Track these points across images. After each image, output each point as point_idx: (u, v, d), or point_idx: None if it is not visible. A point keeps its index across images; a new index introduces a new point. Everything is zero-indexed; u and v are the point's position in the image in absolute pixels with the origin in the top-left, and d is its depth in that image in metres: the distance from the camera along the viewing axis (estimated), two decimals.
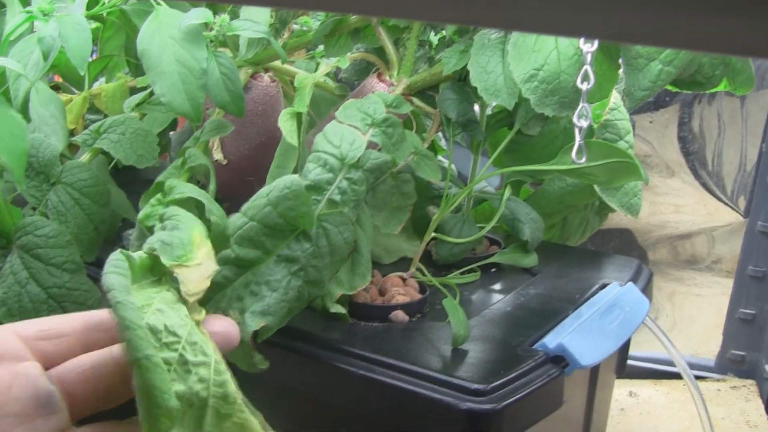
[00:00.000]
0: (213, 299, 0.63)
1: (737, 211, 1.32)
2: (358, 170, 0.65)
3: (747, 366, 1.16)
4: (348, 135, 0.66)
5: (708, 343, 1.24)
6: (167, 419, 0.46)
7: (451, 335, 0.65)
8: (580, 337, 0.68)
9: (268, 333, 0.62)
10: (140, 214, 0.69)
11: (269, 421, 0.57)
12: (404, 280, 0.77)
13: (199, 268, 0.57)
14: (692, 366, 1.19)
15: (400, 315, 0.71)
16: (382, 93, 0.74)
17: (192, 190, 0.66)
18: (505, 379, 0.61)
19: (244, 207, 0.62)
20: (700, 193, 1.37)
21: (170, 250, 0.56)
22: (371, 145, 0.68)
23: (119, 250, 0.52)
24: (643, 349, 1.18)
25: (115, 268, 0.50)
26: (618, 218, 0.91)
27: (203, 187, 0.80)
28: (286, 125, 0.74)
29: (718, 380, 1.16)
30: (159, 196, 0.70)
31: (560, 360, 0.66)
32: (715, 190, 1.37)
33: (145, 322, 0.48)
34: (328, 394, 0.67)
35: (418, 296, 0.74)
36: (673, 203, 1.40)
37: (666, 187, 1.39)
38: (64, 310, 0.76)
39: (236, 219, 0.62)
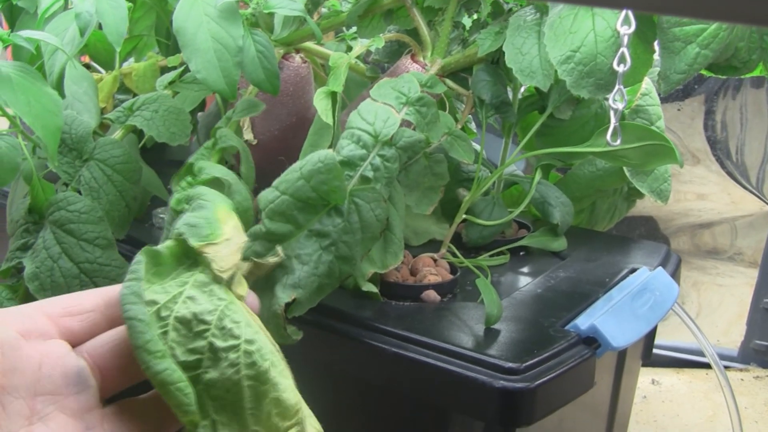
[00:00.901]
0: None
1: (762, 199, 1.32)
2: (391, 148, 0.65)
3: None
4: (382, 112, 0.66)
5: (731, 333, 1.23)
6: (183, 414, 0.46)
7: (484, 314, 0.66)
8: (612, 319, 0.68)
9: (300, 309, 0.62)
10: (172, 200, 0.70)
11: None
12: (435, 260, 0.77)
13: (229, 243, 0.57)
14: (717, 356, 1.19)
15: (431, 294, 0.71)
16: (416, 73, 0.74)
17: (220, 171, 0.67)
18: (539, 358, 0.61)
19: (276, 181, 0.63)
20: (725, 181, 1.36)
21: (197, 231, 0.56)
22: (405, 124, 0.68)
23: (141, 250, 0.52)
24: (665, 337, 1.18)
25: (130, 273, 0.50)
26: (641, 205, 0.91)
27: (234, 168, 0.80)
28: (321, 104, 0.74)
29: (741, 370, 1.16)
30: (189, 178, 0.71)
31: (592, 341, 0.66)
32: (739, 179, 1.37)
33: (174, 314, 0.48)
34: (361, 372, 0.68)
35: (450, 276, 0.74)
36: (697, 192, 1.39)
37: (690, 175, 1.39)
38: (95, 285, 0.76)
39: (268, 193, 0.62)
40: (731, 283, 1.35)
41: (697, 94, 1.38)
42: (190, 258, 0.56)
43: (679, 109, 1.34)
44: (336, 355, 0.68)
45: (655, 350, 1.17)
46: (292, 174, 0.63)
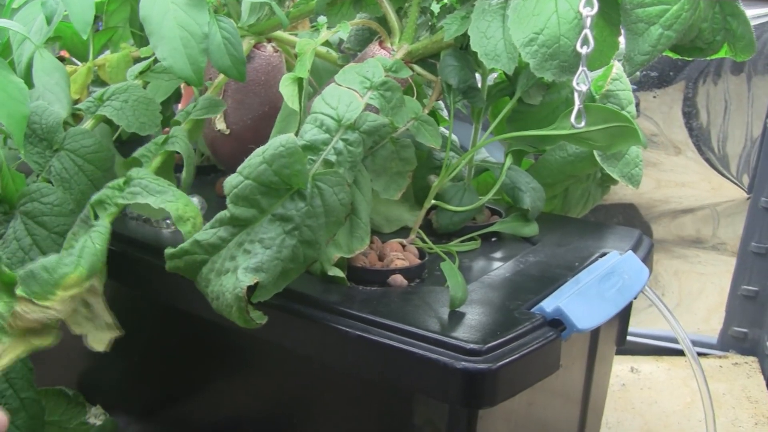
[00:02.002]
0: (209, 261, 0.64)
1: (741, 188, 1.32)
2: (354, 132, 0.65)
3: (749, 343, 1.16)
4: (345, 97, 0.66)
5: (711, 321, 1.24)
6: None
7: (449, 297, 0.66)
8: (578, 301, 0.68)
9: (265, 294, 0.62)
10: (93, 197, 0.70)
11: (265, 382, 0.57)
12: (404, 246, 0.77)
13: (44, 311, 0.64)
14: (695, 343, 1.19)
15: (398, 279, 0.71)
16: (381, 57, 0.74)
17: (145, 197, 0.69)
18: (501, 340, 0.61)
19: (240, 166, 0.63)
20: (705, 170, 1.36)
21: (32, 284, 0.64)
22: (370, 109, 0.68)
23: None
24: (645, 325, 1.18)
25: None
26: (621, 192, 0.91)
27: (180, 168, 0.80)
28: (287, 90, 0.74)
29: (720, 357, 1.16)
30: (119, 182, 0.71)
31: (558, 323, 0.66)
32: (719, 167, 1.37)
33: None
34: (327, 356, 0.68)
35: (417, 261, 0.74)
36: (678, 180, 1.39)
37: (671, 164, 1.39)
38: None
39: (232, 178, 0.62)
40: (713, 271, 1.35)
41: (677, 81, 1.38)
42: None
43: (654, 97, 1.34)
44: (302, 339, 0.68)
45: (634, 338, 1.18)
46: (255, 159, 0.63)
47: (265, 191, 0.62)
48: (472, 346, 0.60)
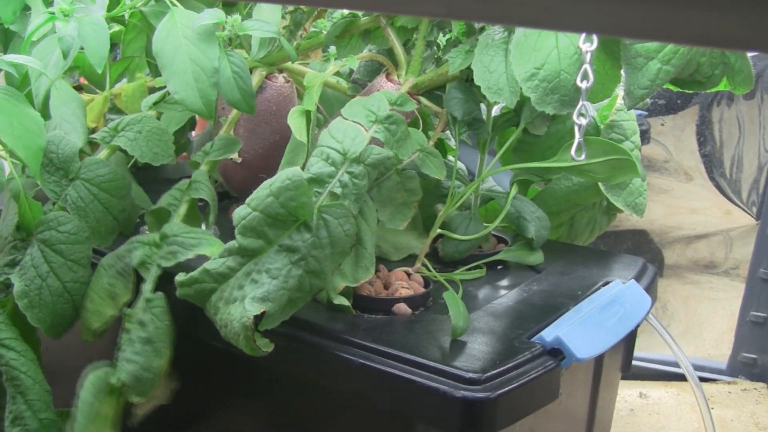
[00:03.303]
0: (218, 289, 0.66)
1: (750, 214, 1.33)
2: (359, 165, 0.67)
3: (758, 369, 1.16)
4: (351, 131, 0.68)
5: (721, 346, 1.24)
6: None
7: (451, 326, 0.67)
8: (578, 330, 0.69)
9: (272, 322, 0.64)
10: (134, 258, 0.74)
11: (272, 408, 0.59)
12: (409, 274, 0.78)
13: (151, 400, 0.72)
14: (704, 368, 1.20)
15: (402, 308, 0.73)
16: (387, 91, 0.76)
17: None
18: (501, 369, 0.63)
19: (249, 198, 0.65)
20: (716, 196, 1.37)
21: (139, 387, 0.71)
22: (375, 142, 0.70)
23: None
24: (654, 350, 1.19)
25: None
26: (634, 219, 0.92)
27: (217, 185, 0.83)
28: (295, 122, 0.76)
29: (729, 383, 1.17)
30: (155, 238, 0.74)
31: (557, 353, 0.67)
32: (729, 194, 1.37)
33: None
34: (331, 383, 0.69)
35: (422, 290, 0.76)
36: (689, 207, 1.40)
37: (683, 191, 1.40)
38: (75, 303, 0.79)
39: (241, 210, 0.64)
40: (724, 297, 1.36)
41: (690, 106, 1.39)
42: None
43: (662, 124, 1.35)
44: (307, 366, 0.70)
45: (643, 364, 1.19)
46: (262, 191, 0.65)
47: (272, 223, 0.64)
48: (471, 375, 0.61)
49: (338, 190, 0.66)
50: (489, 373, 0.62)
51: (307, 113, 0.76)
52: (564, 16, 0.30)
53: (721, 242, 1.41)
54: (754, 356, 1.16)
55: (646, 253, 1.41)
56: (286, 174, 0.64)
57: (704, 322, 1.36)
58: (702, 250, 1.43)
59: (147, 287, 0.74)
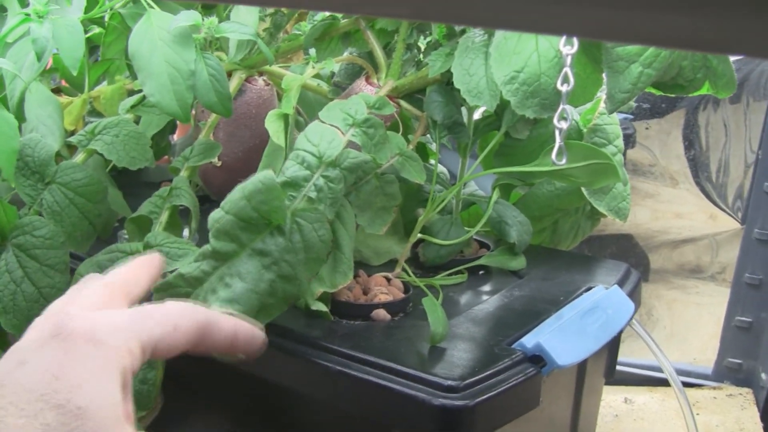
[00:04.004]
0: (193, 294, 0.64)
1: (735, 219, 1.32)
2: (335, 169, 0.66)
3: (744, 374, 1.16)
4: (327, 134, 0.67)
5: (707, 351, 1.23)
6: None
7: (430, 333, 0.66)
8: (559, 337, 0.68)
9: None
10: None
11: (248, 415, 0.58)
12: (389, 279, 0.77)
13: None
14: (690, 374, 1.19)
15: (381, 313, 0.72)
16: (365, 94, 0.75)
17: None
18: (480, 376, 0.62)
19: (223, 202, 0.64)
20: (702, 201, 1.37)
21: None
22: (353, 146, 0.69)
23: None
24: (639, 356, 1.18)
25: None
26: (619, 223, 0.91)
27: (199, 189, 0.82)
28: (272, 126, 0.75)
29: (715, 388, 1.16)
30: (139, 248, 0.74)
31: (538, 359, 0.66)
32: (716, 199, 1.37)
33: None
34: (309, 390, 0.68)
35: (401, 295, 0.75)
36: (675, 211, 1.40)
37: (669, 196, 1.39)
38: None
39: (215, 213, 0.63)
40: (710, 301, 1.35)
41: (677, 109, 1.39)
42: None
43: (647, 128, 1.34)
44: (284, 373, 0.69)
45: (627, 369, 1.18)
46: (236, 194, 0.64)
47: (244, 226, 0.63)
48: (450, 382, 0.60)
49: (313, 194, 0.65)
50: (468, 381, 0.61)
51: (285, 116, 0.75)
52: (531, 17, 0.29)
53: (706, 247, 1.41)
54: (739, 361, 1.15)
55: (632, 257, 1.40)
56: (258, 177, 0.63)
57: (690, 327, 1.35)
58: (688, 254, 1.42)
59: None
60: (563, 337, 0.68)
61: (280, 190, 0.62)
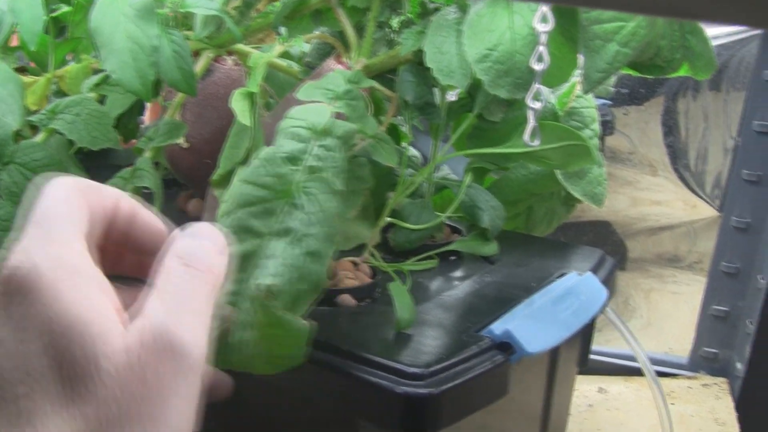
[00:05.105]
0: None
1: (713, 207, 1.31)
2: (330, 137, 0.62)
3: (719, 363, 1.14)
4: (312, 108, 0.64)
5: (683, 341, 1.22)
6: None
7: (395, 319, 0.64)
8: (529, 323, 0.66)
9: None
10: None
11: (208, 402, 0.55)
12: (356, 264, 0.75)
13: None
14: (665, 363, 1.18)
15: (347, 299, 0.70)
16: (341, 70, 0.73)
17: None
18: (445, 364, 0.60)
19: (220, 210, 0.59)
20: (681, 189, 1.35)
21: None
22: (338, 117, 0.66)
23: None
24: (614, 345, 1.17)
25: None
26: (598, 210, 0.89)
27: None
28: (238, 105, 0.72)
29: (690, 378, 1.15)
30: None
31: (507, 347, 0.65)
32: (694, 187, 1.36)
33: None
34: (270, 376, 0.66)
35: (368, 281, 0.73)
36: (653, 198, 1.38)
37: (647, 183, 1.38)
38: None
39: (221, 219, 0.58)
40: (687, 290, 1.34)
41: (656, 96, 1.37)
42: None
43: (625, 114, 1.33)
44: None
45: (602, 358, 1.17)
46: (233, 188, 0.60)
47: (256, 212, 0.58)
48: (414, 370, 0.58)
49: (316, 163, 0.60)
50: (433, 368, 0.59)
51: (251, 95, 0.72)
52: None
53: (684, 235, 1.40)
54: (715, 351, 1.14)
55: (609, 245, 1.39)
56: (256, 156, 0.59)
57: (666, 316, 1.34)
58: (665, 242, 1.41)
59: None
60: (533, 324, 0.67)
61: (279, 158, 0.59)
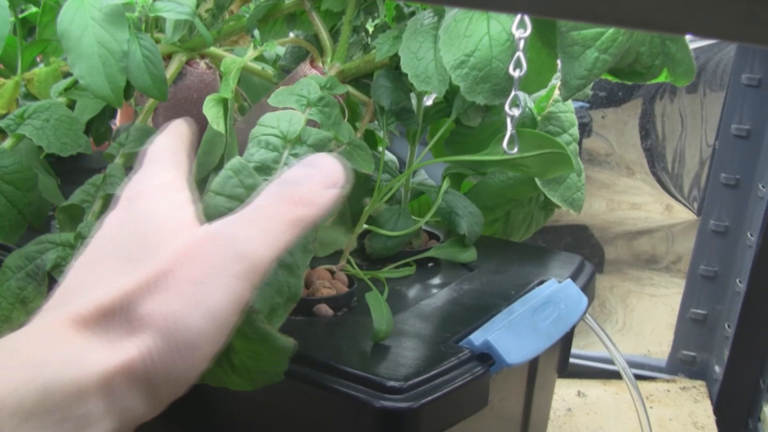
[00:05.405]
0: None
1: (691, 210, 1.31)
2: (302, 146, 0.61)
3: (698, 367, 1.14)
4: (284, 115, 0.62)
5: (661, 344, 1.22)
6: None
7: (373, 330, 0.63)
8: (509, 334, 0.65)
9: None
10: (48, 263, 0.68)
11: (180, 412, 0.54)
12: (333, 273, 0.74)
13: None
14: (643, 366, 1.18)
15: (323, 308, 0.68)
16: (315, 76, 0.71)
17: None
18: (425, 376, 0.59)
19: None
20: (658, 191, 1.35)
21: None
22: (310, 125, 0.65)
23: None
24: (593, 348, 1.16)
25: None
26: (575, 214, 0.88)
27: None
28: (210, 111, 0.71)
29: (668, 381, 1.14)
30: (69, 238, 0.70)
31: (486, 358, 0.64)
32: (672, 189, 1.35)
33: None
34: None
35: (345, 289, 0.72)
36: (631, 201, 1.38)
37: (624, 186, 1.37)
38: None
39: None
40: (665, 293, 1.34)
41: (633, 99, 1.36)
42: None
43: (603, 117, 1.32)
44: None
45: (581, 362, 1.16)
46: (205, 200, 0.58)
47: None
48: (392, 383, 0.57)
49: None
50: (412, 381, 0.58)
51: (224, 101, 0.71)
52: None
53: (662, 238, 1.39)
54: (693, 354, 1.14)
55: (587, 249, 1.38)
56: (225, 167, 0.57)
57: (644, 319, 1.34)
58: (643, 245, 1.41)
59: None
60: (513, 334, 0.66)
61: (250, 168, 0.57)
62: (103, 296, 0.42)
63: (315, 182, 0.47)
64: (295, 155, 0.61)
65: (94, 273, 0.45)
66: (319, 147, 0.63)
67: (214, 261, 0.43)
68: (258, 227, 0.45)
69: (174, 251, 0.44)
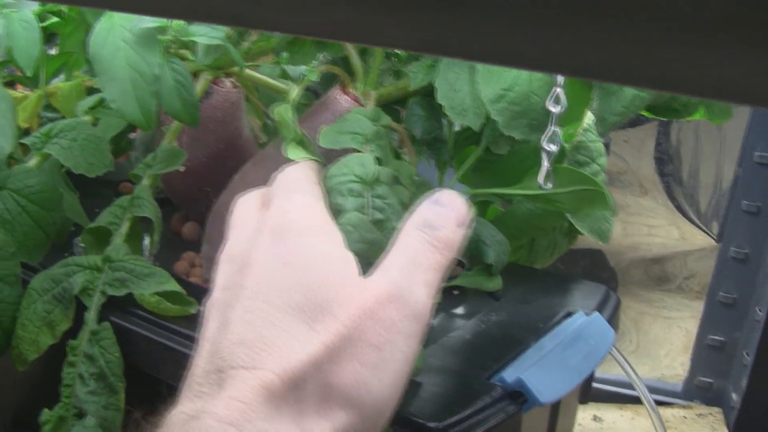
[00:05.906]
0: None
1: (710, 235, 1.30)
2: (382, 185, 0.60)
3: (714, 393, 1.14)
4: (353, 159, 0.61)
5: (675, 368, 1.21)
6: None
7: None
8: (541, 371, 0.65)
9: None
10: (77, 287, 0.68)
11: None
12: None
13: None
14: (658, 391, 1.17)
15: None
16: (360, 109, 0.70)
17: None
18: (460, 416, 0.58)
19: None
20: (673, 214, 1.35)
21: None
22: None
23: None
24: (609, 371, 1.16)
25: None
26: (590, 239, 0.88)
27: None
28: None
29: (685, 407, 1.14)
30: (96, 261, 0.71)
31: (518, 396, 0.63)
32: (688, 212, 1.35)
33: None
34: None
35: None
36: (646, 224, 1.37)
37: (638, 207, 1.37)
38: (1, 326, 0.72)
39: None
40: (678, 315, 1.33)
41: (651, 120, 1.36)
42: None
43: (625, 141, 1.32)
44: None
45: (597, 385, 1.15)
46: None
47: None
48: (431, 424, 0.57)
49: (379, 216, 0.58)
50: (447, 422, 0.57)
51: (300, 139, 0.69)
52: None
53: (675, 259, 1.39)
54: (710, 380, 1.13)
55: (604, 272, 1.38)
56: (340, 223, 0.56)
57: (657, 342, 1.34)
58: (656, 267, 1.40)
59: (91, 316, 0.68)
60: (545, 372, 0.65)
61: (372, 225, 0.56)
62: (292, 362, 0.42)
63: (451, 223, 0.48)
64: (378, 196, 0.59)
65: (270, 328, 0.43)
66: (393, 182, 0.62)
67: (394, 324, 0.44)
68: (420, 281, 0.46)
69: (353, 314, 0.44)
